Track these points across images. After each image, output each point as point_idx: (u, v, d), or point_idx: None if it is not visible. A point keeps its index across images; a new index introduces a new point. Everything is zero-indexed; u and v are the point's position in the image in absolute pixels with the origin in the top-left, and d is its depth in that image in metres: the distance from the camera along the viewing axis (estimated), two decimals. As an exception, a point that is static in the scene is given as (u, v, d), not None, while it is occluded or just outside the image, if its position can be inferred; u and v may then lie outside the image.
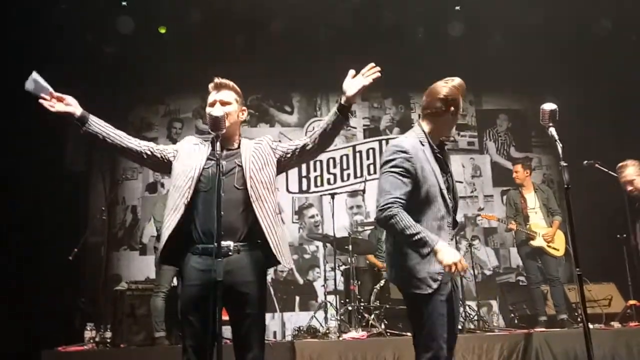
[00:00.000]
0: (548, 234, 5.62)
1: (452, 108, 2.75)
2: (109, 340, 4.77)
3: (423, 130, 2.71)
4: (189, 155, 2.65)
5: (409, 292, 2.54)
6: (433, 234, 2.46)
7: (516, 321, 5.94)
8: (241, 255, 2.53)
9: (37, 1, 5.48)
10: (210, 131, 2.56)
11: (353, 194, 7.14)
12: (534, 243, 5.67)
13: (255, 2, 6.16)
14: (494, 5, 6.11)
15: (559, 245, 5.67)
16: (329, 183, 7.33)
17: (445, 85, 2.79)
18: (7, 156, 5.30)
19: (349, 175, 7.37)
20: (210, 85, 2.81)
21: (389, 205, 2.44)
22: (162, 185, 6.88)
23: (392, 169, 2.52)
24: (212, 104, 2.74)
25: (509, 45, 6.54)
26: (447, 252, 2.37)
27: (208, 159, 2.63)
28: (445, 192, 2.63)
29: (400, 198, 2.45)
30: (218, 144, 2.61)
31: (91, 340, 4.76)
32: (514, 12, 6.19)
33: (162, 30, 6.39)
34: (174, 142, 7.15)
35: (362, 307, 5.28)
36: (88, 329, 4.81)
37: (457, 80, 2.83)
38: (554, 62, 6.66)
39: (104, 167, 6.85)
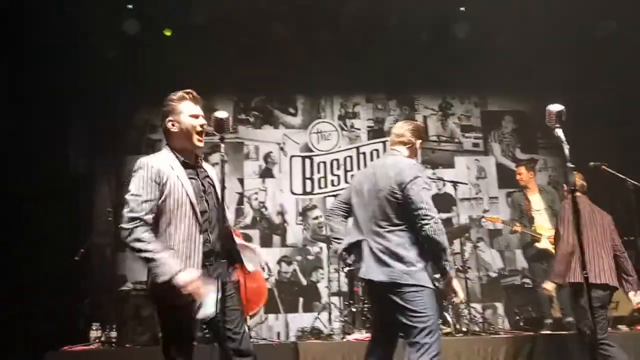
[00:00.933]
0: (553, 236, 5.59)
1: None
2: (114, 340, 4.79)
3: None
4: (175, 185, 2.64)
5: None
6: None
7: (522, 324, 5.91)
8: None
9: (41, 2, 5.48)
10: (214, 133, 2.58)
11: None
12: (539, 245, 5.64)
13: (259, 5, 6.16)
14: (499, 6, 6.10)
15: None
16: (332, 184, 7.32)
17: None
18: (13, 158, 5.32)
19: (352, 176, 7.35)
20: (189, 96, 2.86)
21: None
22: (166, 186, 6.89)
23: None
24: (196, 116, 2.80)
25: (514, 46, 6.51)
26: None
27: (190, 178, 2.69)
28: None
29: None
30: (222, 145, 2.63)
31: (97, 340, 4.77)
32: (520, 12, 6.17)
33: (168, 33, 6.41)
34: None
35: (365, 309, 5.27)
36: (94, 328, 4.83)
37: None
38: (560, 63, 6.62)
39: (110, 169, 6.87)
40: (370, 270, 2.92)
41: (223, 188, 2.61)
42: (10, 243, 5.04)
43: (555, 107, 2.95)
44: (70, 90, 6.10)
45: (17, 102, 5.45)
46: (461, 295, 3.00)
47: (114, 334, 4.84)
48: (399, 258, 2.87)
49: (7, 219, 5.06)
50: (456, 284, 2.96)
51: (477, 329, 5.43)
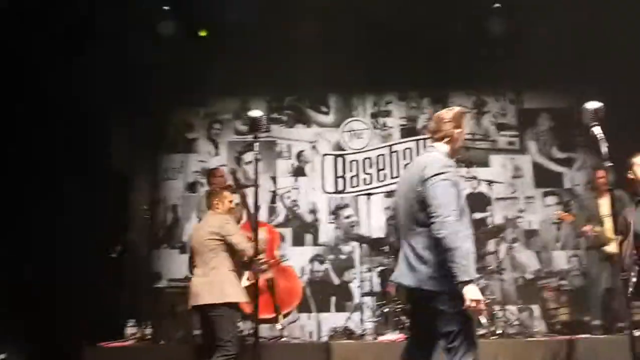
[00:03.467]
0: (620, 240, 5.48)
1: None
2: (149, 337, 4.89)
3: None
4: None
5: None
6: None
7: (559, 327, 5.76)
8: None
9: (76, 3, 5.60)
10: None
11: (389, 194, 7.09)
12: (608, 249, 5.51)
13: (290, 2, 6.18)
14: (535, 1, 5.95)
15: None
16: (365, 183, 7.30)
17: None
18: (53, 158, 5.48)
19: (385, 175, 7.32)
20: None
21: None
22: (202, 184, 7.01)
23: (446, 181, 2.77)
24: None
25: (550, 42, 6.34)
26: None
27: None
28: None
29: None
30: (256, 144, 2.68)
31: (132, 337, 4.89)
32: (556, 6, 6.01)
33: (203, 34, 6.51)
34: (214, 142, 7.37)
35: (398, 309, 5.23)
36: (129, 325, 4.94)
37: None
38: (599, 59, 6.42)
39: (148, 167, 7.04)
40: (401, 274, 2.89)
41: (256, 186, 2.64)
42: (49, 239, 5.18)
43: (593, 105, 2.89)
44: (112, 89, 6.23)
45: (59, 101, 5.59)
46: (481, 309, 2.62)
47: (149, 330, 4.95)
48: (424, 261, 2.76)
49: (47, 215, 5.20)
50: (473, 293, 2.58)
51: (512, 331, 5.31)
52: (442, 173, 2.76)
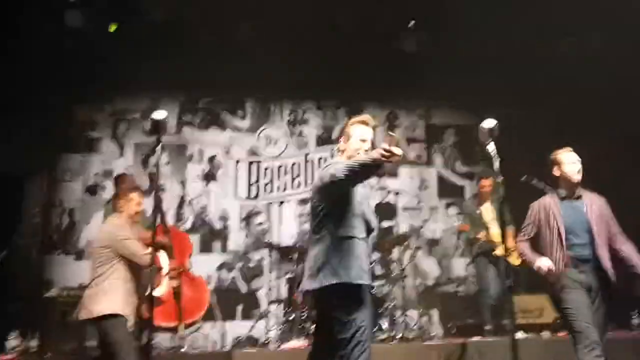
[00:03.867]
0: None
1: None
2: (34, 350, 4.53)
3: None
4: None
5: None
6: None
7: (454, 331, 6.05)
8: None
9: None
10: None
11: (303, 202, 7.11)
12: (497, 252, 5.86)
13: (213, 5, 6.06)
14: (447, 22, 6.23)
15: (515, 254, 5.90)
16: (279, 190, 7.27)
17: None
18: None
19: (299, 183, 7.34)
20: None
21: None
22: (103, 188, 6.65)
23: None
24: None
25: (458, 61, 6.69)
26: None
27: None
28: None
29: None
30: (159, 147, 2.57)
31: (14, 350, 4.50)
32: (464, 29, 6.35)
33: (113, 28, 6.19)
34: (119, 143, 7.01)
35: (304, 316, 5.24)
36: (11, 337, 4.55)
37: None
38: (500, 79, 6.84)
39: (42, 167, 6.53)
40: (303, 281, 3.09)
41: (158, 190, 2.53)
42: None
43: (488, 124, 3.04)
44: (7, 80, 5.76)
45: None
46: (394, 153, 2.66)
47: (34, 342, 4.58)
48: (310, 266, 3.01)
49: None
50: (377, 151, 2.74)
51: (411, 335, 5.49)
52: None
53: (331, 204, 2.90)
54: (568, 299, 3.45)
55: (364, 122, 3.07)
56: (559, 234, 3.58)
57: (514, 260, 5.78)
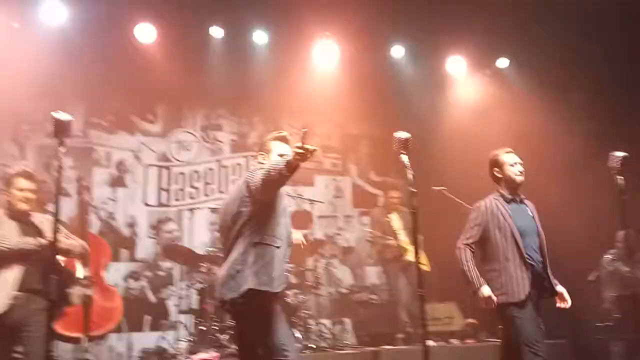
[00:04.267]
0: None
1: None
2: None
3: None
4: None
5: None
6: None
7: (366, 339, 6.17)
8: None
9: None
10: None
11: (215, 209, 6.96)
12: (407, 258, 6.06)
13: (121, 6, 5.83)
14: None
15: (425, 261, 6.13)
16: (191, 197, 7.07)
17: None
18: None
19: (212, 189, 7.19)
20: None
21: None
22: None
23: None
24: None
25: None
26: None
27: None
28: None
29: None
30: (61, 149, 2.42)
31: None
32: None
33: None
34: (19, 144, 6.44)
35: (215, 327, 5.12)
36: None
37: None
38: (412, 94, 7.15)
39: None
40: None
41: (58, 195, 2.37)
42: None
43: (402, 135, 3.13)
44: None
45: None
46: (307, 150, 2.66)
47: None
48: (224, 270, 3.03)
49: None
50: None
51: (325, 344, 5.54)
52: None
53: (255, 211, 2.89)
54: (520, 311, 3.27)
55: (283, 139, 3.16)
56: (513, 236, 3.37)
57: (423, 266, 6.04)
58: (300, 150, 2.55)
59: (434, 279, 5.94)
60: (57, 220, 2.83)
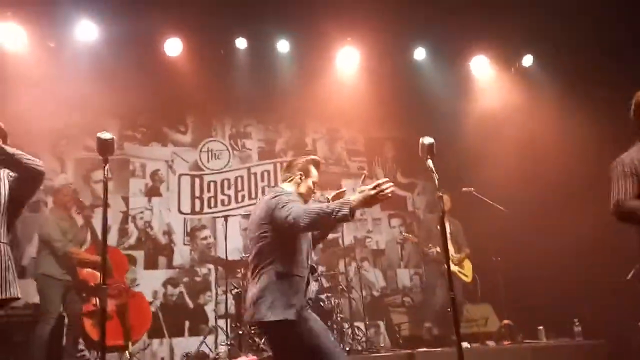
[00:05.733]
0: (459, 258, 6.10)
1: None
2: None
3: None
4: None
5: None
6: None
7: (401, 341, 6.22)
8: None
9: None
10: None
11: (246, 215, 7.12)
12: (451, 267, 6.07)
13: (151, 21, 6.03)
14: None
15: (467, 272, 6.16)
16: (223, 204, 7.25)
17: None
18: None
19: (243, 196, 7.35)
20: None
21: None
22: (46, 204, 6.39)
23: None
24: None
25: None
26: None
27: None
28: None
29: None
30: (106, 166, 2.59)
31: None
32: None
33: None
34: (59, 159, 6.72)
35: (253, 331, 5.25)
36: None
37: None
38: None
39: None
40: None
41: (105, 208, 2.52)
42: None
43: (427, 140, 3.16)
44: None
45: None
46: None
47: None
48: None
49: None
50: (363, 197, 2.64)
51: (359, 347, 5.59)
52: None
53: (281, 240, 2.81)
54: None
55: (317, 165, 3.15)
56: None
57: (464, 276, 6.06)
58: (374, 192, 2.52)
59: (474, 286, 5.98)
60: (105, 232, 2.98)
